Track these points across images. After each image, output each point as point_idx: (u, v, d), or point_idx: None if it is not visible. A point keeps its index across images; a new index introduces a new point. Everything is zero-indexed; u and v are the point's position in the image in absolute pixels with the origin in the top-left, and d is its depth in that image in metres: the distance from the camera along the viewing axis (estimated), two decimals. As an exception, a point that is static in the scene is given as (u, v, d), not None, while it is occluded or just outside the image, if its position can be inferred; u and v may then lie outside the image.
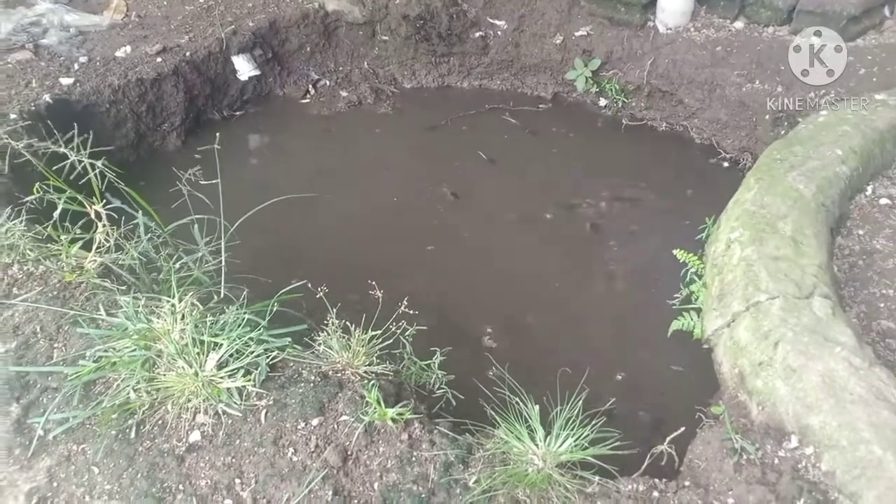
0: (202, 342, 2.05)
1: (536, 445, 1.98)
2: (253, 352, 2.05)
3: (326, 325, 2.17)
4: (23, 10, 4.62)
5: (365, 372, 2.14)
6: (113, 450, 1.91)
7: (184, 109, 4.42)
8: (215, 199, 2.43)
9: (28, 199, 2.42)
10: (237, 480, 1.85)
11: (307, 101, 4.98)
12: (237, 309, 2.17)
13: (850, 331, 2.40)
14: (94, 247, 2.39)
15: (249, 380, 2.01)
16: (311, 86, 5.04)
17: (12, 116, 3.58)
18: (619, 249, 3.65)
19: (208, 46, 4.52)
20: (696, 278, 3.18)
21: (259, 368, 2.05)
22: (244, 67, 4.74)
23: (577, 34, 4.86)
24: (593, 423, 2.01)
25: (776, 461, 2.05)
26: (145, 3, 4.96)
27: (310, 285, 2.24)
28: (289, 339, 2.15)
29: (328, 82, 5.07)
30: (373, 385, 2.04)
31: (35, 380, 2.10)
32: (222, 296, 2.35)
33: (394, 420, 1.98)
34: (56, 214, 2.35)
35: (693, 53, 4.47)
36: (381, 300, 2.21)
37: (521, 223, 3.85)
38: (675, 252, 3.21)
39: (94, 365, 2.04)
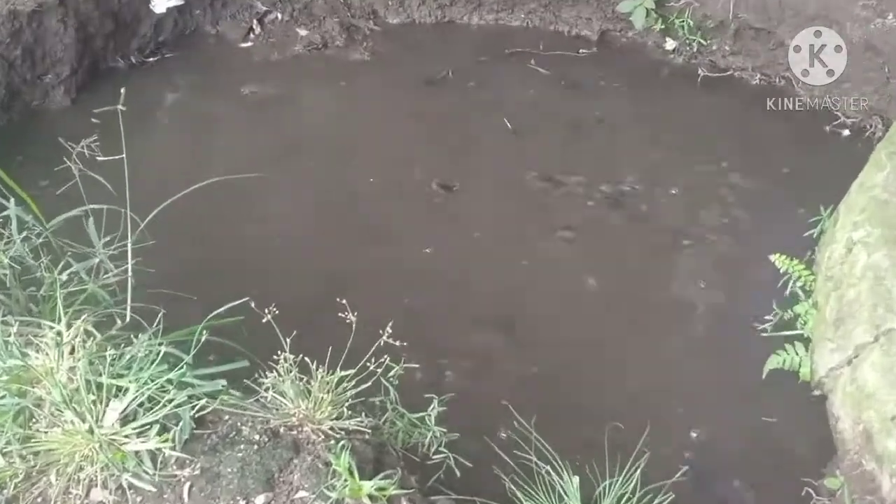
0: (100, 386, 2.04)
1: (576, 534, 1.99)
2: (172, 400, 2.04)
3: (277, 362, 2.18)
4: None
5: (331, 429, 2.14)
6: (-28, 539, 1.91)
7: (75, 54, 4.43)
8: (119, 182, 2.42)
9: None
10: (148, 586, 1.83)
11: (250, 43, 4.99)
12: (150, 339, 2.17)
13: None
14: (-57, 250, 2.39)
15: (167, 440, 2.00)
16: (255, 21, 5.05)
17: None
18: (692, 254, 3.67)
19: (110, -35, 4.57)
20: (801, 294, 3.19)
21: (181, 424, 2.04)
22: (161, -6, 4.78)
23: (635, -54, 4.90)
24: (657, 502, 2.01)
25: (918, 557, 2.04)
26: None
27: (253, 305, 2.23)
28: (223, 381, 2.15)
29: (280, 16, 5.09)
30: (342, 447, 2.04)
31: None
32: (128, 320, 2.35)
33: (372, 497, 1.98)
34: None
35: (800, -26, 4.51)
36: (354, 326, 2.21)
37: (551, 214, 3.87)
38: (771, 258, 3.22)
39: (-56, 418, 2.03)
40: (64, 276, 2.39)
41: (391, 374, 2.27)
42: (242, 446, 2.10)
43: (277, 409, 2.18)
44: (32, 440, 2.03)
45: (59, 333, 2.17)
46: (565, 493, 2.05)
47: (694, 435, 2.91)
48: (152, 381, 2.08)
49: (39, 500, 2.00)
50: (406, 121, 4.46)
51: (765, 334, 3.12)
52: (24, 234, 2.47)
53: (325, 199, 3.92)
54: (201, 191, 2.57)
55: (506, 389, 2.97)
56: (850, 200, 3.22)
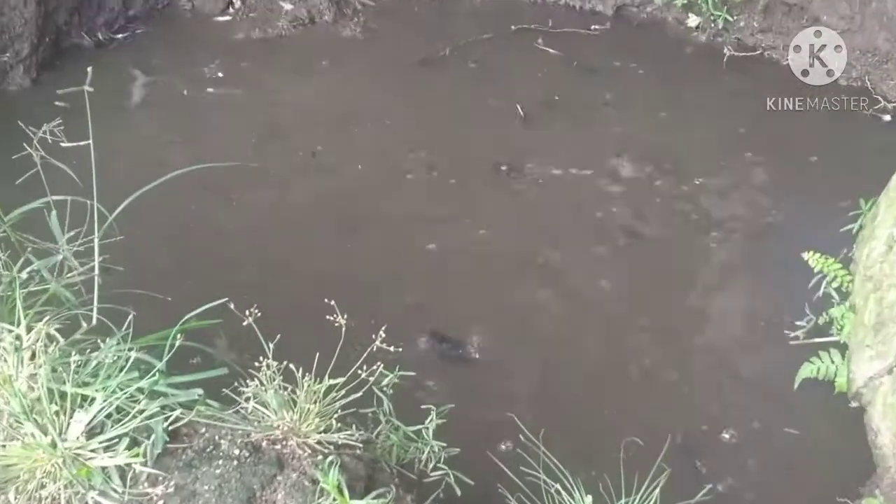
0: (63, 395, 2.03)
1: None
2: (143, 411, 2.04)
3: (259, 370, 2.18)
4: None
5: (319, 442, 2.13)
6: (-78, 564, 1.91)
7: (36, 30, 4.42)
8: (85, 171, 2.42)
9: None
10: None
11: (229, 17, 5.00)
12: (119, 343, 2.16)
13: None
14: None
15: (137, 455, 1.99)
16: (235, -6, 5.08)
17: None
18: (718, 251, 3.68)
19: (74, -69, 4.58)
20: (837, 296, 3.20)
21: (153, 437, 2.03)
22: (130, -35, 4.79)
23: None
24: (677, 524, 2.02)
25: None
26: None
27: (232, 306, 2.23)
28: (200, 390, 2.14)
29: (263, -12, 5.12)
30: (331, 463, 2.03)
31: None
32: (95, 322, 2.34)
33: (364, 518, 1.99)
34: None
35: (836, -58, 4.53)
36: (344, 329, 2.22)
37: (564, 209, 3.88)
38: (805, 256, 3.23)
39: None
40: (24, 275, 2.37)
41: (385, 382, 2.26)
42: (221, 462, 2.09)
43: (259, 421, 2.17)
44: (-11, 455, 2.03)
45: (17, 337, 2.16)
46: (577, 514, 2.06)
47: (720, 452, 2.92)
48: (121, 389, 2.07)
49: (-3, 520, 2.00)
50: (399, 105, 4.46)
51: (796, 342, 3.12)
52: (-20, 227, 2.47)
53: (309, 190, 3.93)
54: (176, 181, 2.56)
55: (511, 399, 2.97)
56: (892, 193, 3.22)
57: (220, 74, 4.59)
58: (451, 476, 2.34)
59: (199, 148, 4.06)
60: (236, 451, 2.11)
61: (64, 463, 1.99)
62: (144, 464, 2.02)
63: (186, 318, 2.21)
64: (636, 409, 3.05)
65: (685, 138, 4.25)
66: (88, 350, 2.18)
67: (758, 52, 4.83)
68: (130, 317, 2.27)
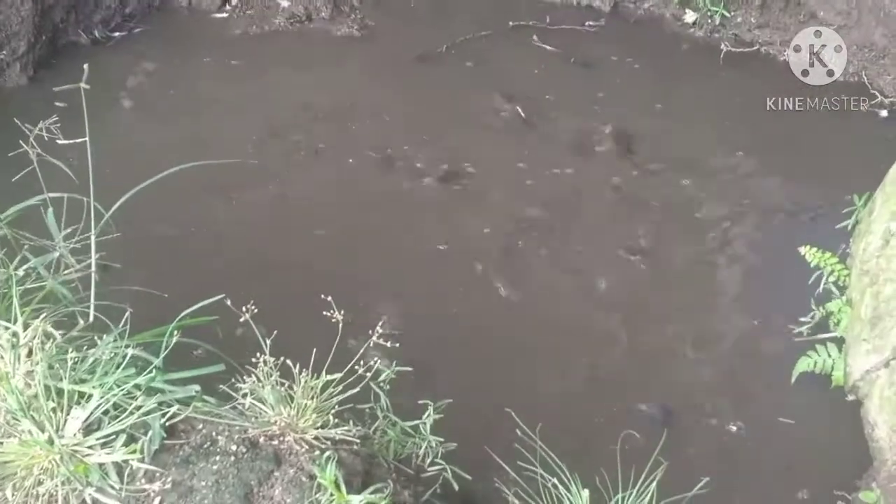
0: (60, 392, 2.03)
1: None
2: (140, 407, 2.03)
3: (256, 366, 2.17)
4: None
5: (316, 438, 2.13)
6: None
7: (32, 28, 4.42)
8: (82, 169, 2.40)
9: None
10: None
11: (225, 14, 4.99)
12: (116, 340, 2.16)
13: None
14: None
15: (134, 451, 1.99)
16: (232, -9, 5.08)
17: None
18: (713, 247, 3.69)
19: (70, -71, 4.58)
20: (835, 290, 3.20)
21: (150, 433, 2.04)
22: (127, -38, 4.79)
23: None
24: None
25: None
26: None
27: (229, 302, 2.22)
28: (197, 387, 2.14)
29: (259, -16, 5.11)
30: (328, 458, 2.04)
31: None
32: (92, 319, 2.34)
33: (361, 514, 2.01)
34: None
35: (832, -65, 4.54)
36: (341, 325, 2.22)
37: (566, 208, 3.88)
38: (801, 250, 3.23)
39: None
40: (20, 272, 2.37)
41: (382, 378, 2.27)
42: (218, 458, 2.09)
43: (256, 417, 2.18)
44: (-14, 452, 2.03)
45: (14, 334, 2.16)
46: (574, 508, 2.07)
47: (717, 445, 2.93)
48: (118, 386, 2.07)
49: (-6, 517, 2.01)
50: (397, 102, 4.46)
51: (800, 339, 3.13)
52: (-24, 225, 2.47)
53: (307, 188, 3.93)
54: (172, 178, 2.54)
55: (508, 394, 2.97)
56: (888, 188, 3.23)
57: (218, 71, 4.59)
58: (449, 471, 2.34)
59: (197, 145, 4.04)
60: (233, 447, 2.11)
61: (61, 460, 1.99)
62: (142, 460, 2.03)
63: (183, 314, 2.21)
64: (630, 404, 3.06)
65: (683, 134, 4.25)
66: (85, 347, 2.18)
67: (755, 48, 4.84)
68: (127, 313, 2.28)
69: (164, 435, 2.09)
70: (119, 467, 2.02)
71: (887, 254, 2.97)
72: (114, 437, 2.04)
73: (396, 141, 4.20)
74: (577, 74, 4.68)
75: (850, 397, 2.86)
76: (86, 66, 2.39)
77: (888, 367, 2.71)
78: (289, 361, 2.16)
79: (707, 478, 2.38)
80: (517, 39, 4.88)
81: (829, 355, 2.95)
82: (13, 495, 2.02)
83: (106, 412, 2.06)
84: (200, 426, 2.15)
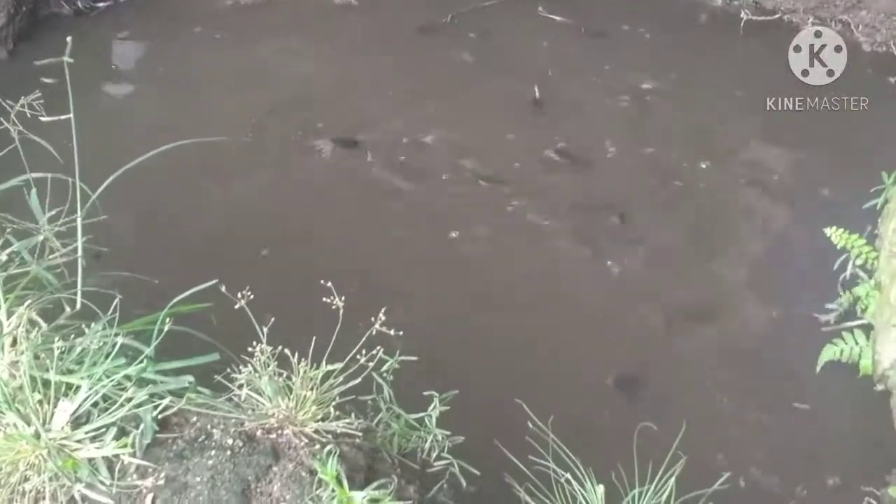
0: (47, 383, 2.03)
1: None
2: (131, 399, 2.04)
3: (252, 355, 2.16)
4: None
5: (316, 431, 2.13)
6: None
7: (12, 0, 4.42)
8: (66, 147, 2.39)
9: None
10: None
11: (217, -17, 4.97)
12: (105, 328, 2.16)
13: None
14: None
15: (125, 445, 2.00)
16: (223, -42, 5.04)
17: None
18: (736, 230, 3.68)
19: None
20: (862, 275, 3.18)
21: (142, 426, 2.04)
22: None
23: None
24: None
25: None
26: None
27: (224, 288, 2.23)
28: (190, 377, 2.15)
29: (251, -49, 5.07)
30: (329, 453, 2.04)
31: None
32: (79, 306, 2.34)
33: (364, 510, 2.00)
34: None
35: None
36: (341, 313, 2.22)
37: (580, 193, 3.86)
38: (827, 232, 3.21)
39: None
40: (3, 257, 2.37)
41: (385, 368, 2.26)
42: (213, 452, 2.09)
43: (253, 410, 2.17)
44: (-31, 447, 2.02)
45: (-2, 323, 2.16)
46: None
47: (740, 437, 2.92)
48: (108, 377, 2.06)
49: (-21, 515, 2.00)
50: (398, 77, 4.44)
51: (825, 328, 3.13)
52: (-45, 207, 2.46)
53: (302, 168, 3.92)
54: (162, 157, 2.54)
55: (519, 385, 2.97)
56: (920, 164, 3.20)
57: (209, 44, 4.59)
58: (456, 465, 2.34)
59: (188, 123, 4.04)
60: (229, 441, 2.10)
61: (48, 454, 1.98)
62: (133, 455, 2.02)
63: (175, 300, 2.20)
64: (646, 395, 3.06)
65: (698, 109, 4.25)
66: (73, 336, 2.17)
67: (776, 16, 4.81)
68: (116, 300, 2.26)
69: (157, 428, 2.08)
70: (109, 462, 2.02)
71: (918, 235, 2.93)
72: (103, 430, 2.03)
73: (397, 119, 4.18)
74: (589, 46, 4.65)
75: (879, 387, 2.84)
76: (69, 38, 2.37)
77: (919, 354, 2.69)
78: (287, 350, 2.14)
79: (728, 473, 2.38)
80: (524, 9, 4.87)
81: (857, 343, 2.94)
82: (-2, 491, 2.02)
83: (95, 404, 2.05)
84: (194, 419, 2.15)
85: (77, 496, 2.00)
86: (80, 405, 2.05)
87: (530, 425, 2.45)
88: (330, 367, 2.18)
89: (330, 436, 2.15)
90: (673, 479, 2.15)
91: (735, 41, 4.71)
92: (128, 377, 2.08)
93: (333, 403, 2.18)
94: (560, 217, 3.74)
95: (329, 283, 2.23)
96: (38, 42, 4.46)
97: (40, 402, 2.05)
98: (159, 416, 2.09)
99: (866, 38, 4.61)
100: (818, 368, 2.98)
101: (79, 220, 2.40)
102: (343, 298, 2.21)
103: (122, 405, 2.05)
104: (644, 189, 3.87)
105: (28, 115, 2.42)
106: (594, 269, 3.52)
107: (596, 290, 3.46)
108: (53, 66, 2.36)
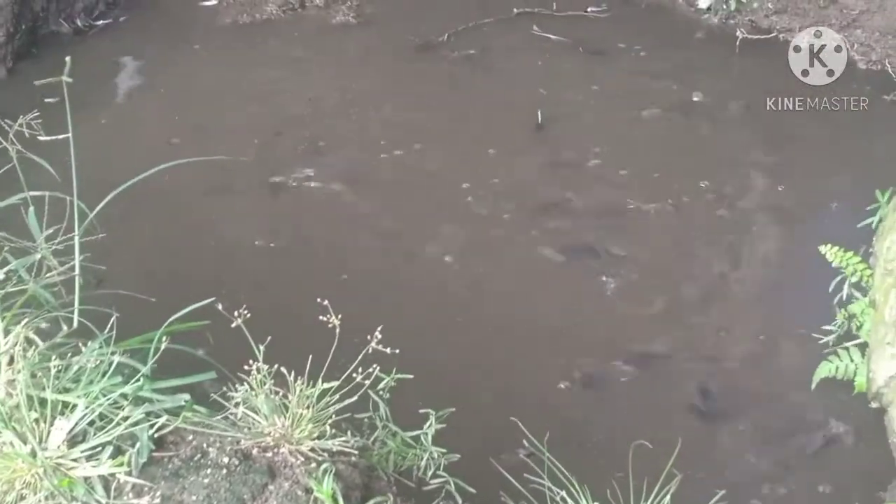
0: (44, 402, 2.03)
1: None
2: (127, 417, 2.02)
3: (248, 373, 2.16)
4: None
5: (312, 450, 2.13)
6: None
7: (11, 17, 4.44)
8: (65, 166, 2.41)
9: None
10: None
11: (215, 2, 5.00)
12: (101, 347, 2.15)
13: None
14: None
15: (121, 464, 1.99)
16: (221, -24, 5.08)
17: None
18: (731, 247, 3.69)
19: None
20: (857, 294, 3.20)
21: (138, 445, 2.04)
22: (111, -53, 4.80)
23: None
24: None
25: None
26: None
27: (220, 307, 2.23)
28: (186, 396, 2.14)
29: (250, -30, 5.12)
30: (325, 471, 2.04)
31: None
32: (76, 325, 2.33)
33: (360, 529, 2.00)
34: None
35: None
36: (338, 331, 2.22)
37: (575, 214, 3.87)
38: (822, 249, 3.23)
39: None
40: (1, 275, 2.38)
41: (381, 386, 2.27)
42: (209, 471, 2.09)
43: (249, 428, 2.17)
44: (-35, 465, 2.03)
45: (-5, 341, 2.17)
46: (583, 522, 2.07)
47: (734, 454, 2.92)
48: (104, 395, 2.07)
49: (-26, 534, 2.01)
50: (396, 95, 4.47)
51: (823, 345, 3.14)
52: (-47, 225, 2.47)
53: (302, 187, 3.93)
54: (160, 176, 2.56)
55: (514, 403, 2.97)
56: (914, 182, 3.23)
57: (208, 63, 4.61)
58: (452, 484, 2.34)
59: (186, 142, 4.06)
60: (225, 460, 2.10)
61: (44, 473, 1.98)
62: (129, 473, 2.02)
63: (172, 319, 2.21)
64: (641, 413, 3.06)
65: (699, 128, 4.27)
66: (69, 354, 2.17)
67: (772, 34, 4.84)
68: (113, 319, 2.26)
69: (153, 447, 2.08)
70: (105, 481, 2.02)
71: (913, 253, 2.96)
72: (100, 449, 2.03)
73: (397, 139, 4.19)
74: (585, 63, 4.68)
75: (874, 404, 2.85)
76: (68, 58, 2.39)
77: (914, 372, 2.71)
78: (283, 369, 2.15)
79: (723, 491, 2.38)
80: (522, 27, 4.89)
81: (852, 360, 2.95)
82: (-6, 510, 2.03)
83: (91, 423, 2.05)
84: (190, 437, 2.15)
85: (73, 515, 2.01)
86: (76, 424, 2.04)
87: (525, 443, 2.47)
88: (326, 386, 2.19)
89: (326, 454, 2.15)
90: (668, 497, 2.16)
91: (731, 58, 4.74)
92: (124, 395, 2.08)
93: (330, 421, 2.17)
94: (557, 236, 3.74)
95: (326, 302, 2.26)
96: (38, 60, 4.48)
97: (37, 420, 2.04)
98: (155, 435, 2.09)
99: (862, 57, 4.64)
100: (813, 385, 2.99)
101: (76, 239, 2.41)
102: (340, 317, 2.23)
103: (118, 424, 2.05)
104: (641, 205, 3.88)
105: (27, 134, 2.44)
106: (589, 287, 3.52)
107: (593, 307, 3.46)
108: (53, 85, 2.39)
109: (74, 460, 2.04)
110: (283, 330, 2.38)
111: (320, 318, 2.23)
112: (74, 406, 2.06)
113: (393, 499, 2.17)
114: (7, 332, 2.17)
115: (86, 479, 2.03)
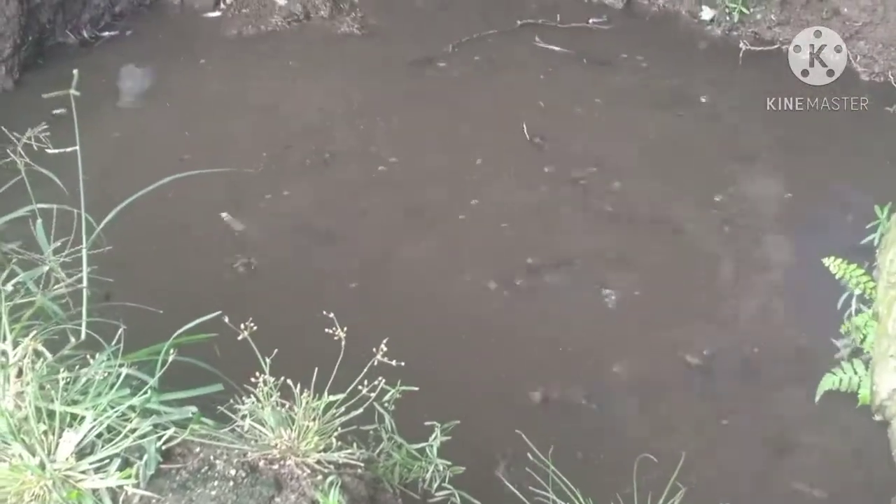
0: (52, 414, 2.03)
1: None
2: (135, 430, 2.02)
3: (255, 386, 2.16)
4: None
5: (318, 462, 2.13)
6: None
7: (18, 28, 4.45)
8: (72, 178, 2.42)
9: None
10: None
11: (219, 13, 5.02)
12: (109, 359, 2.15)
13: None
14: None
15: (129, 476, 1.99)
16: (226, -11, 5.11)
17: None
18: (735, 262, 3.69)
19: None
20: (862, 306, 3.20)
21: (145, 457, 2.03)
22: (117, -41, 4.82)
23: None
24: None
25: None
26: None
27: (227, 319, 2.23)
28: (194, 408, 2.14)
29: (254, -18, 5.15)
30: (331, 483, 2.04)
31: None
32: (84, 337, 2.33)
33: (365, 540, 2.02)
34: None
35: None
36: (343, 343, 2.23)
37: (582, 230, 3.87)
38: (825, 262, 3.24)
39: None
40: (9, 287, 2.37)
41: (386, 398, 2.27)
42: (216, 483, 2.09)
43: (256, 440, 2.17)
44: (-26, 477, 2.04)
45: (3, 353, 2.16)
46: (588, 535, 2.08)
47: (739, 468, 2.93)
48: (112, 407, 2.07)
49: (-17, 546, 2.02)
50: (401, 105, 4.48)
51: (838, 359, 3.14)
52: (-39, 238, 2.48)
53: (307, 201, 3.94)
54: (166, 189, 2.54)
55: (519, 416, 2.98)
56: (917, 194, 3.24)
57: (214, 75, 4.61)
58: (457, 496, 2.34)
59: (193, 154, 4.06)
60: (232, 472, 2.11)
61: (53, 485, 1.98)
62: (137, 485, 2.02)
63: (179, 331, 2.22)
64: (645, 426, 3.07)
65: (699, 139, 4.29)
66: (77, 366, 2.18)
67: (775, 46, 4.86)
68: (121, 331, 2.26)
69: (160, 459, 2.08)
70: (113, 493, 2.02)
71: (916, 265, 2.97)
72: (108, 461, 2.04)
73: (402, 153, 4.20)
74: (588, 76, 4.69)
75: (877, 417, 2.86)
76: (75, 71, 2.40)
77: (918, 385, 2.71)
78: (289, 381, 2.16)
79: (728, 502, 2.39)
80: (526, 38, 4.90)
81: (856, 372, 2.96)
82: (2, 522, 2.03)
83: (99, 435, 2.05)
84: (198, 450, 2.15)
85: (81, 527, 2.02)
86: (84, 436, 2.04)
87: (530, 456, 2.47)
88: (332, 398, 2.20)
89: (332, 466, 2.15)
90: (673, 509, 2.18)
91: (735, 69, 4.74)
92: (132, 408, 2.08)
93: (335, 434, 2.18)
94: (561, 251, 3.75)
95: (332, 314, 2.27)
96: (44, 72, 4.50)
97: (45, 432, 2.04)
98: (163, 447, 2.09)
99: (864, 69, 4.66)
100: (817, 398, 3.00)
101: (84, 251, 2.41)
102: (346, 329, 2.25)
103: (126, 436, 2.05)
104: (648, 218, 3.90)
105: (34, 146, 2.45)
106: (595, 303, 3.53)
107: (599, 323, 3.47)
108: (60, 97, 2.40)
109: (83, 472, 2.04)
110: (289, 342, 2.39)
111: (327, 330, 2.25)
112: (83, 418, 2.06)
113: (399, 511, 2.18)
114: (16, 344, 2.17)
115: (94, 491, 2.03)
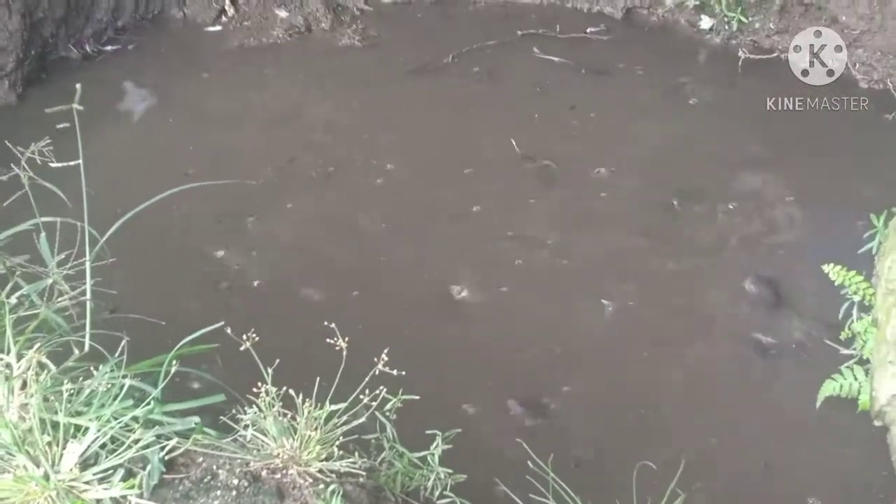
0: (56, 425, 2.03)
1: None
2: (138, 440, 2.03)
3: (257, 396, 2.17)
4: None
5: (320, 471, 2.13)
6: None
7: (21, 43, 4.47)
8: (76, 192, 2.43)
9: None
10: None
11: (220, 27, 5.05)
12: (112, 370, 2.15)
13: None
14: None
15: (132, 486, 1.99)
16: (227, 1, 5.12)
17: None
18: (735, 271, 3.71)
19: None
20: (861, 313, 3.21)
21: (149, 467, 2.04)
22: (119, -26, 4.84)
23: None
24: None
25: None
26: None
27: (229, 330, 2.24)
28: (196, 418, 2.14)
29: (257, -5, 5.17)
30: (333, 492, 2.05)
31: None
32: (87, 349, 2.33)
33: (368, 549, 2.02)
34: None
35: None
36: (345, 353, 2.24)
37: (586, 237, 3.89)
38: (825, 268, 3.25)
39: None
40: (13, 300, 2.38)
41: (388, 407, 2.28)
42: (219, 492, 2.10)
43: (258, 450, 2.18)
44: (-21, 488, 2.05)
45: (7, 365, 2.17)
46: (589, 543, 2.08)
47: (740, 475, 2.94)
48: (115, 418, 2.08)
49: (-11, 557, 2.03)
50: (403, 115, 4.51)
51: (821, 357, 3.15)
52: (-35, 251, 2.50)
53: (307, 212, 3.96)
54: (168, 201, 2.56)
55: (519, 425, 2.99)
56: (915, 201, 3.25)
57: (217, 88, 4.63)
58: (458, 504, 2.36)
59: (196, 167, 4.09)
60: (235, 481, 2.12)
61: (57, 496, 1.99)
62: (140, 495, 2.03)
63: (182, 343, 2.23)
64: (644, 433, 3.07)
65: (698, 148, 4.30)
66: (81, 378, 2.19)
67: (774, 54, 4.87)
68: (124, 342, 2.27)
69: (163, 469, 2.10)
70: (117, 503, 2.04)
71: (915, 271, 2.98)
72: (111, 471, 2.05)
73: (402, 163, 4.22)
74: (588, 86, 4.71)
75: (877, 423, 2.87)
76: (78, 85, 2.41)
77: (917, 390, 2.72)
78: (291, 391, 2.17)
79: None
80: (526, 48, 4.92)
81: (856, 378, 2.96)
82: (7, 533, 2.04)
83: (103, 446, 2.06)
84: (200, 459, 2.16)
85: (85, 537, 2.03)
86: (88, 447, 2.05)
87: (530, 464, 2.48)
88: (334, 407, 2.20)
89: (334, 475, 2.16)
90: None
91: (734, 77, 4.76)
92: (135, 419, 2.08)
93: (337, 443, 2.18)
94: (560, 258, 3.77)
95: (333, 325, 2.29)
96: (47, 85, 4.52)
97: (49, 443, 2.05)
98: (166, 457, 2.09)
99: (863, 76, 4.66)
100: (818, 404, 3.00)
101: (87, 264, 2.43)
102: (347, 339, 2.26)
103: (129, 446, 2.05)
104: (653, 226, 3.91)
105: (38, 160, 2.47)
106: (595, 312, 3.54)
107: (604, 331, 3.48)
108: (63, 111, 2.42)
109: (87, 483, 2.04)
110: (291, 352, 2.40)
111: (328, 340, 2.26)
112: (86, 429, 2.07)
113: (401, 519, 2.19)
114: (20, 357, 2.18)
115: (98, 501, 2.04)
